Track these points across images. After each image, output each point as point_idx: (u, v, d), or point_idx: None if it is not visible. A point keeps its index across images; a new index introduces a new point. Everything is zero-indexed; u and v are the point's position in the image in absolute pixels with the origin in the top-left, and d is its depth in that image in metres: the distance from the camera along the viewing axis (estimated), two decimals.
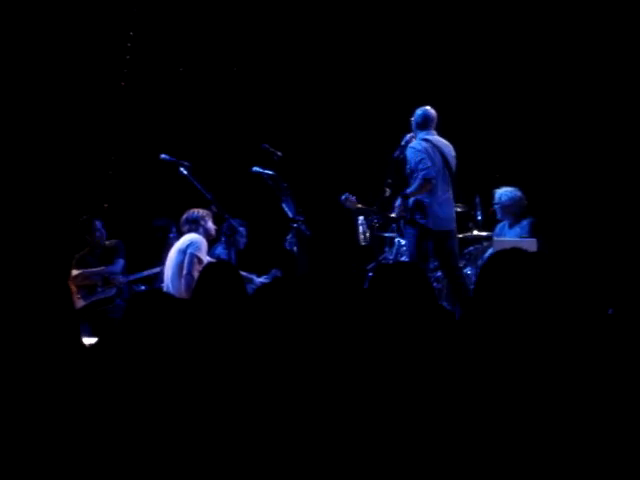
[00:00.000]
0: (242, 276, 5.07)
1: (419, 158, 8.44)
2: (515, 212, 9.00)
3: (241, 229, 9.44)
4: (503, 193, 9.06)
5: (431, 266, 8.87)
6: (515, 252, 3.48)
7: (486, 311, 3.35)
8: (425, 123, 8.65)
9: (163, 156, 8.45)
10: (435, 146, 8.56)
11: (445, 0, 10.82)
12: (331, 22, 11.08)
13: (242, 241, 9.54)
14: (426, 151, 8.48)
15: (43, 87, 10.43)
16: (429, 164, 8.43)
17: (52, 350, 3.36)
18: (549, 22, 10.42)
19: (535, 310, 3.30)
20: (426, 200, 8.47)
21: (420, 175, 8.42)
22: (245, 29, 11.14)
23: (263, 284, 4.01)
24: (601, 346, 3.31)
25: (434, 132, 8.66)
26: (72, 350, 3.44)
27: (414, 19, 10.88)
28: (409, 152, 8.56)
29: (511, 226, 9.05)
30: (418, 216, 8.49)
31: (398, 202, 8.66)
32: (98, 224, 9.25)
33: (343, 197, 9.09)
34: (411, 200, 8.53)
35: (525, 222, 8.95)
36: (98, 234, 9.22)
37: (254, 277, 9.17)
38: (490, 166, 10.36)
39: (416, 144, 8.56)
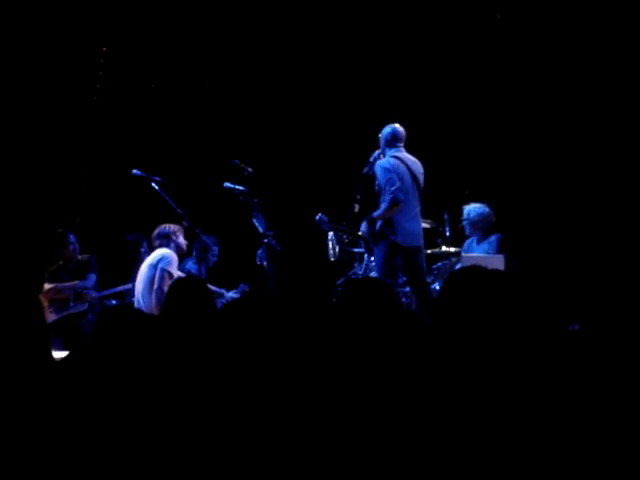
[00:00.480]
0: (212, 291, 5.12)
1: (387, 178, 8.48)
2: (483, 228, 9.04)
3: (214, 248, 9.48)
4: (472, 209, 9.10)
5: (400, 281, 8.92)
6: (474, 270, 3.49)
7: (443, 329, 3.40)
8: (394, 140, 8.70)
9: (135, 171, 8.48)
10: (404, 163, 8.61)
11: (411, 19, 10.89)
12: (300, 40, 11.13)
13: (212, 260, 9.59)
14: (394, 169, 8.52)
15: (16, 102, 10.44)
16: (397, 184, 8.46)
17: (22, 364, 3.36)
18: (514, 41, 10.51)
19: (493, 327, 3.33)
20: (395, 216, 8.52)
21: (388, 198, 8.46)
22: (216, 46, 11.19)
23: (233, 299, 4.01)
24: (559, 361, 3.34)
25: (403, 149, 8.71)
26: (41, 364, 3.44)
27: (381, 36, 10.93)
28: (378, 170, 8.61)
29: (479, 242, 9.08)
30: (387, 232, 8.54)
31: (364, 226, 8.73)
32: (72, 238, 9.26)
33: (317, 218, 9.15)
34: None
35: (493, 238, 8.99)
36: (72, 247, 9.23)
37: (224, 292, 9.21)
38: (459, 183, 10.42)
39: (384, 162, 8.62)
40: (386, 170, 8.52)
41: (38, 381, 3.34)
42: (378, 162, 8.67)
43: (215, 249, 9.56)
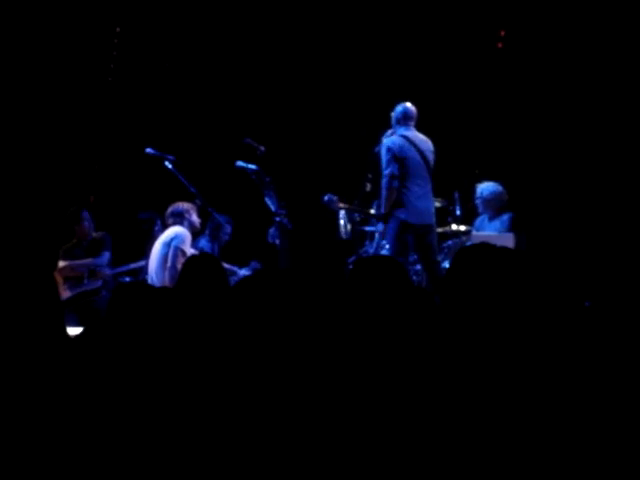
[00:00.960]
0: (225, 268, 5.14)
1: (386, 158, 8.54)
2: (496, 206, 9.09)
3: (227, 227, 9.53)
4: (485, 188, 9.15)
5: (410, 259, 8.97)
6: (483, 247, 3.50)
7: (452, 306, 3.41)
8: (404, 119, 8.72)
9: (148, 150, 8.54)
10: (412, 142, 8.63)
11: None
12: (312, 18, 11.12)
13: (225, 238, 9.65)
14: (398, 149, 8.55)
15: (31, 82, 10.48)
16: (392, 168, 8.48)
17: (37, 340, 3.37)
18: (526, 20, 10.52)
19: (501, 304, 3.33)
20: (405, 195, 8.57)
21: (383, 183, 8.55)
22: (228, 24, 11.19)
23: (245, 276, 4.01)
24: (575, 338, 3.34)
25: (413, 128, 8.74)
26: (56, 341, 3.45)
27: (394, 15, 10.93)
28: (382, 149, 8.65)
29: (491, 220, 9.14)
30: (398, 211, 8.60)
31: (380, 226, 8.78)
32: (86, 215, 9.30)
33: (326, 198, 9.19)
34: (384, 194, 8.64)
35: (505, 217, 9.04)
36: (86, 225, 9.25)
37: (236, 269, 9.26)
38: (469, 162, 10.45)
39: (389, 141, 8.64)
40: (387, 150, 8.58)
41: (53, 357, 3.35)
42: (384, 140, 8.72)
43: (228, 227, 9.61)
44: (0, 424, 3.10)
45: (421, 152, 8.65)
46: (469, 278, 3.40)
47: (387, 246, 8.73)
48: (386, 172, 8.53)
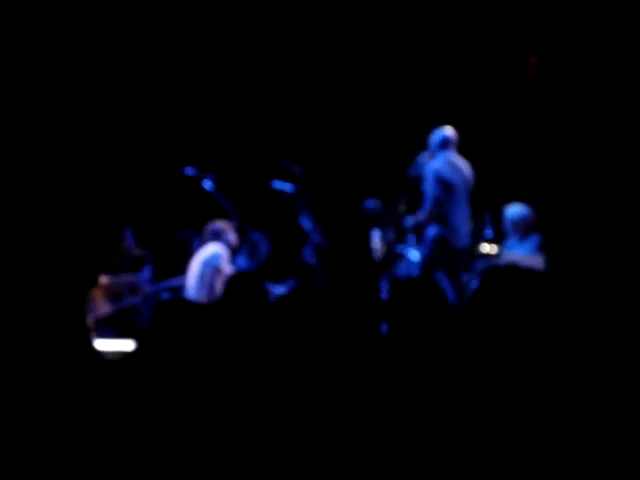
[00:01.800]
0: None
1: (432, 181, 8.68)
2: (525, 228, 9.16)
3: (263, 245, 9.67)
4: (513, 210, 9.25)
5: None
6: (509, 269, 3.57)
7: (480, 325, 3.48)
8: (445, 144, 8.85)
9: (188, 170, 8.72)
10: (455, 165, 8.81)
11: (456, 16, 11.04)
12: (352, 37, 11.21)
13: (262, 256, 9.78)
14: (445, 173, 8.70)
15: (79, 98, 10.66)
16: (440, 189, 8.67)
17: (66, 356, 3.47)
18: (555, 38, 10.60)
19: (527, 326, 3.40)
20: (451, 218, 8.73)
21: (427, 204, 8.70)
22: (264, 47, 11.29)
23: (282, 294, 4.05)
24: (600, 356, 3.40)
25: (454, 152, 8.90)
26: (85, 356, 3.54)
27: (426, 38, 11.03)
28: (427, 173, 8.78)
29: (521, 241, 9.21)
30: (441, 228, 8.78)
31: (410, 222, 8.94)
32: (128, 232, 9.48)
33: (368, 205, 9.32)
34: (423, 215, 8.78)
35: (535, 238, 9.12)
36: (128, 242, 9.44)
37: (273, 287, 9.38)
38: (500, 184, 10.51)
39: (435, 164, 8.78)
40: (433, 173, 8.73)
41: (82, 372, 3.42)
42: (430, 164, 8.84)
43: (265, 245, 9.74)
44: (30, 436, 3.17)
45: (464, 176, 8.80)
46: (494, 299, 3.47)
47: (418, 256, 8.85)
48: (431, 195, 8.68)
